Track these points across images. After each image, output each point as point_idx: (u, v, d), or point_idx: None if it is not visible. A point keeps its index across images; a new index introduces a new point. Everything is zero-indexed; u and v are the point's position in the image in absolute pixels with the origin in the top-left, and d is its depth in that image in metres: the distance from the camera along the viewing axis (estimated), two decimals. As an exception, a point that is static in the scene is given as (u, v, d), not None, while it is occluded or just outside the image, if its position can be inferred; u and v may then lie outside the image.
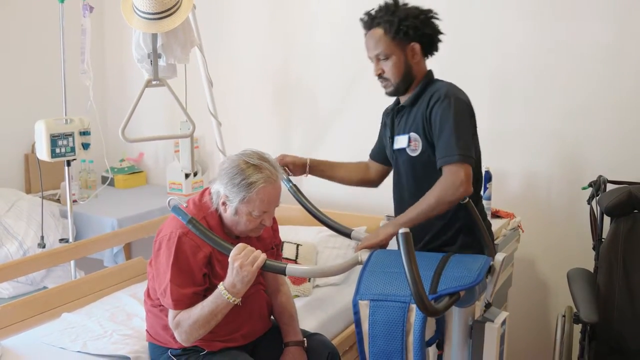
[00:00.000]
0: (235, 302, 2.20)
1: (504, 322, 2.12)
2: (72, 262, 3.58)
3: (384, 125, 2.62)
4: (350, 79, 3.92)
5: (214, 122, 3.78)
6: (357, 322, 1.92)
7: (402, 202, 2.49)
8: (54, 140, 3.47)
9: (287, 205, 3.90)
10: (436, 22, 2.41)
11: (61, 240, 3.83)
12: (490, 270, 2.09)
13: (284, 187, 2.50)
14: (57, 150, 3.49)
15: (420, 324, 1.84)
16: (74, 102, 3.81)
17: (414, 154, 2.39)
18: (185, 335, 2.27)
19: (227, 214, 2.31)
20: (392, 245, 2.28)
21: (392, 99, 2.57)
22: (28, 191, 4.38)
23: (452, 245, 2.41)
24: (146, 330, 2.55)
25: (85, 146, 3.61)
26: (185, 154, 4.06)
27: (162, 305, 2.37)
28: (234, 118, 4.27)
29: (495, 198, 3.31)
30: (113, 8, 4.43)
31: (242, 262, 2.13)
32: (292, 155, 2.69)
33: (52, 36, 3.64)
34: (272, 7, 4.14)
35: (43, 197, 3.84)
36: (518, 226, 3.35)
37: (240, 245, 2.16)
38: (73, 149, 3.55)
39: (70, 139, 3.54)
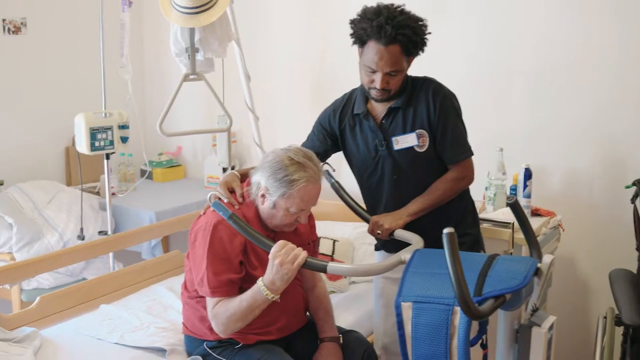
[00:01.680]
0: (274, 299, 2.21)
1: (551, 327, 2.05)
2: (110, 254, 3.62)
3: (352, 129, 2.56)
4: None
5: (251, 116, 3.79)
6: (400, 324, 1.88)
7: (399, 198, 2.52)
8: (93, 133, 3.51)
9: (324, 201, 3.88)
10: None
11: (100, 232, 3.88)
12: (537, 272, 2.02)
13: (326, 183, 2.51)
14: (96, 144, 3.53)
15: (465, 327, 1.79)
16: (113, 96, 3.85)
17: (421, 150, 2.45)
18: (222, 327, 2.29)
19: (265, 207, 2.31)
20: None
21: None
22: (69, 184, 4.44)
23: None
24: (183, 322, 2.57)
25: (124, 139, 3.65)
26: (223, 148, 4.07)
27: (199, 297, 2.39)
28: (271, 112, 4.27)
29: (535, 196, 3.26)
30: (152, 2, 4.46)
31: (282, 259, 2.13)
32: None
33: (92, 31, 3.67)
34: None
35: (83, 190, 3.89)
36: (558, 225, 3.28)
37: (281, 242, 2.16)
38: (112, 143, 3.59)
39: (109, 132, 3.58)
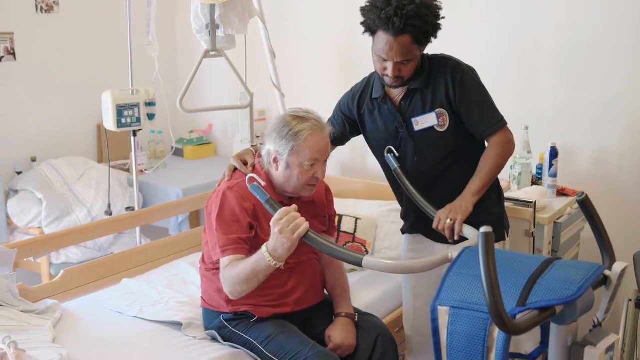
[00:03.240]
0: (277, 266, 2.20)
1: (610, 348, 1.78)
2: (137, 230, 3.67)
3: (371, 113, 2.54)
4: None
5: (277, 93, 3.78)
6: (435, 330, 1.70)
7: (420, 180, 2.48)
8: (119, 110, 3.55)
9: (347, 179, 3.90)
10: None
11: (127, 208, 3.94)
12: (605, 281, 1.80)
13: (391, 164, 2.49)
14: (123, 121, 3.57)
15: (504, 342, 1.59)
16: (143, 74, 3.88)
17: (442, 129, 2.42)
18: (229, 287, 2.31)
19: (279, 171, 2.34)
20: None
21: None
22: (100, 161, 4.51)
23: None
24: (201, 296, 2.60)
25: (151, 117, 3.68)
26: (245, 124, 4.08)
27: (216, 269, 2.42)
28: (299, 90, 4.25)
29: (562, 175, 3.20)
30: (183, -20, 4.48)
31: (282, 227, 2.12)
32: None
33: (121, 9, 3.70)
34: (338, -25, 4.09)
35: (111, 167, 3.95)
36: (585, 205, 3.21)
37: (283, 209, 2.15)
38: (139, 120, 3.62)
39: (136, 109, 3.61)
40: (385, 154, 2.48)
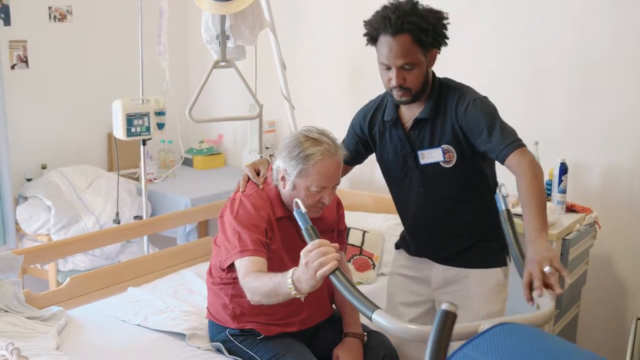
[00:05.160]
0: (297, 297, 1.95)
1: None
2: (144, 238, 3.67)
3: (381, 135, 2.41)
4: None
5: (287, 105, 3.78)
6: None
7: (426, 211, 2.39)
8: (129, 119, 3.56)
9: (356, 191, 3.90)
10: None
11: (135, 217, 3.95)
12: None
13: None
14: (133, 130, 3.58)
15: None
16: (153, 84, 3.90)
17: (448, 166, 2.28)
18: (249, 294, 2.13)
19: (286, 190, 2.28)
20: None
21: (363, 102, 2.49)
22: (110, 169, 4.53)
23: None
24: (207, 307, 2.57)
25: (160, 126, 3.69)
26: (254, 136, 4.08)
27: (223, 284, 2.40)
28: (309, 102, 4.26)
29: (571, 192, 3.18)
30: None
31: (307, 260, 1.86)
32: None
33: (133, 18, 3.72)
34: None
35: (120, 175, 3.96)
36: (595, 222, 3.19)
37: (317, 241, 1.87)
38: (148, 129, 3.63)
39: (146, 118, 3.62)
40: (497, 192, 2.20)
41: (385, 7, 2.20)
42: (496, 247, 2.38)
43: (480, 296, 2.35)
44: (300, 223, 1.97)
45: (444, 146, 2.26)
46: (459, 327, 1.51)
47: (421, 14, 2.16)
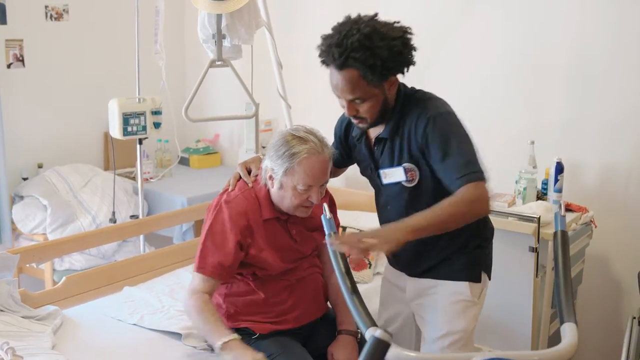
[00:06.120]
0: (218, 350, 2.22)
1: None
2: (141, 238, 3.67)
3: (355, 145, 2.30)
4: (426, 62, 3.82)
5: (284, 104, 3.78)
6: None
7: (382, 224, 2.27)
8: (126, 118, 3.56)
9: (352, 190, 3.89)
10: (410, 36, 2.05)
11: (132, 216, 3.94)
12: None
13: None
14: (129, 129, 3.58)
15: None
16: (150, 83, 3.90)
17: (411, 185, 2.14)
18: (185, 308, 2.38)
19: (274, 189, 2.29)
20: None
21: None
22: (106, 168, 4.52)
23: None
24: (202, 306, 2.58)
25: (157, 125, 3.69)
26: (251, 135, 4.08)
27: None
28: (305, 101, 4.25)
29: (567, 191, 3.18)
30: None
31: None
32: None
33: (130, 17, 3.72)
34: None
35: (116, 174, 3.96)
36: (591, 221, 3.19)
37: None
38: (144, 128, 3.63)
39: (142, 117, 3.62)
40: (556, 212, 2.08)
41: (331, 36, 2.01)
42: (464, 262, 2.23)
43: (445, 310, 2.21)
44: (325, 228, 2.04)
45: (405, 165, 2.12)
46: (451, 357, 1.68)
47: (372, 45, 1.94)
